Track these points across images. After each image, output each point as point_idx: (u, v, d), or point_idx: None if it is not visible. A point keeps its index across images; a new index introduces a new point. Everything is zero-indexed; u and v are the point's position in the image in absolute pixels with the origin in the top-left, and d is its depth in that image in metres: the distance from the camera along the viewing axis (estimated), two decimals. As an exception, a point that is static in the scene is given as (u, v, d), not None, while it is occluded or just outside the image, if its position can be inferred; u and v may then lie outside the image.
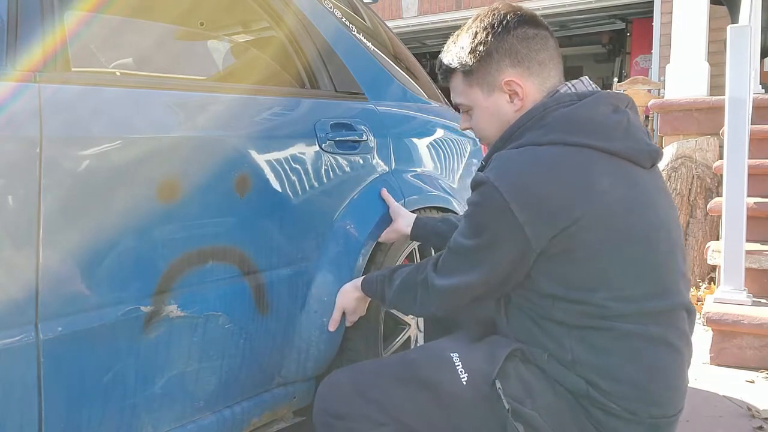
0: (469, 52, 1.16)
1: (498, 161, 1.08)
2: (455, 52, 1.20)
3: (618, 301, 1.03)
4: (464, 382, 1.08)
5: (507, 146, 1.12)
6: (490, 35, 1.14)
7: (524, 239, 1.02)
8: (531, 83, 1.14)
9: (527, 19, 1.15)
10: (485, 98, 1.17)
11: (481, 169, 1.14)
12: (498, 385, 1.06)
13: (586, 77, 1.17)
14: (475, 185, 1.08)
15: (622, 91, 4.69)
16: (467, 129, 1.26)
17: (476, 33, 1.16)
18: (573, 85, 1.13)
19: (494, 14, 1.15)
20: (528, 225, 1.01)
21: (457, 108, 1.29)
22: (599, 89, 1.14)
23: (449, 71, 1.22)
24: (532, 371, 1.09)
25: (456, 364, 1.10)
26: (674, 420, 1.08)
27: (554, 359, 1.07)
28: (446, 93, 1.61)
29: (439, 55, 1.25)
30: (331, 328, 1.47)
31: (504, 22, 1.14)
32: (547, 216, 1.01)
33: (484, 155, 1.21)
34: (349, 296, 1.44)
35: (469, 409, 1.08)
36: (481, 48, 1.15)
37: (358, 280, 1.42)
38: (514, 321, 1.14)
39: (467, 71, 1.17)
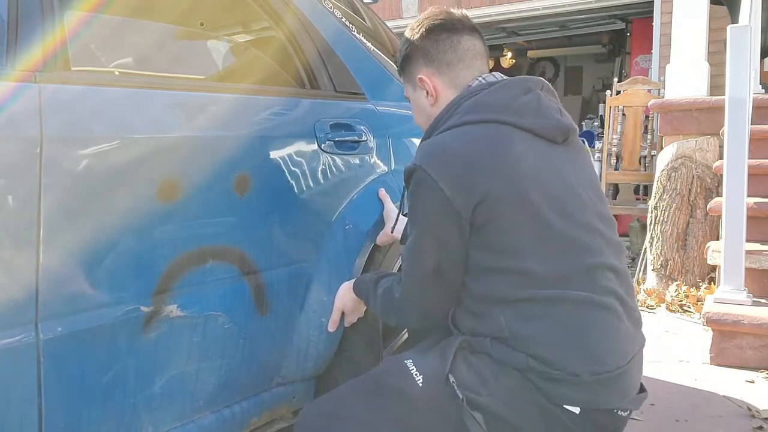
0: (399, 52, 1.34)
1: (422, 148, 1.19)
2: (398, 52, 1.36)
3: (540, 263, 1.09)
4: (420, 384, 1.12)
5: (432, 136, 1.23)
6: (411, 37, 1.30)
7: (455, 212, 1.11)
8: (439, 80, 1.27)
9: (442, 24, 1.27)
10: (412, 93, 1.33)
11: None
12: (451, 379, 1.10)
13: (498, 72, 1.28)
14: (408, 175, 1.18)
15: (621, 91, 4.69)
16: None
17: (405, 35, 1.32)
18: (484, 78, 1.26)
19: (420, 19, 1.30)
20: (455, 197, 1.10)
21: None
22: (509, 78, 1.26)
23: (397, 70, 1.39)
24: (482, 359, 1.12)
25: (410, 368, 1.14)
26: (619, 373, 1.09)
27: (496, 341, 1.11)
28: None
29: None
30: (331, 328, 1.47)
31: (421, 26, 1.28)
32: (469, 184, 1.10)
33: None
34: (347, 297, 1.44)
35: (431, 410, 1.11)
36: (404, 48, 1.32)
37: (354, 281, 1.42)
38: (457, 318, 1.19)
39: (400, 69, 1.35)
